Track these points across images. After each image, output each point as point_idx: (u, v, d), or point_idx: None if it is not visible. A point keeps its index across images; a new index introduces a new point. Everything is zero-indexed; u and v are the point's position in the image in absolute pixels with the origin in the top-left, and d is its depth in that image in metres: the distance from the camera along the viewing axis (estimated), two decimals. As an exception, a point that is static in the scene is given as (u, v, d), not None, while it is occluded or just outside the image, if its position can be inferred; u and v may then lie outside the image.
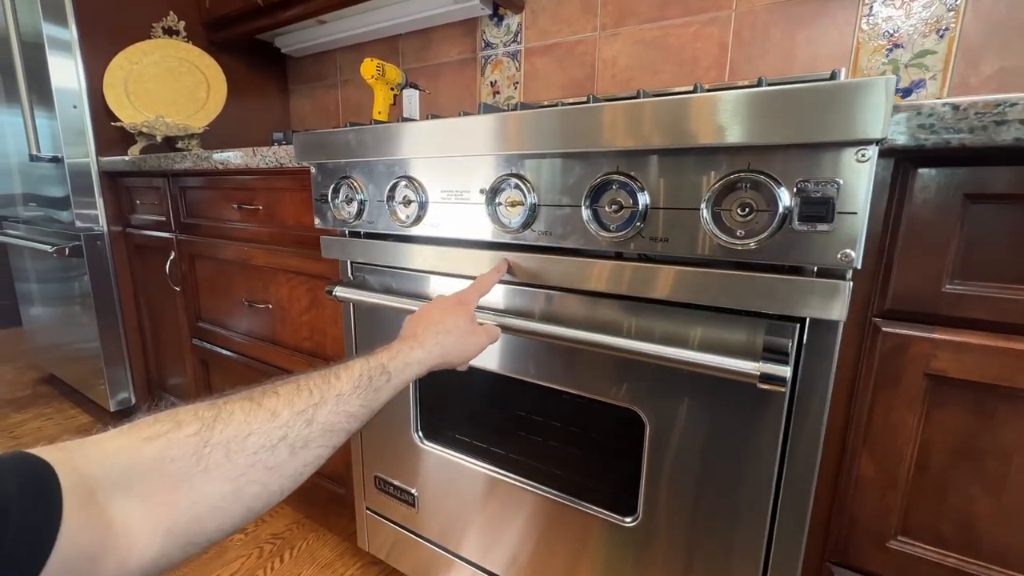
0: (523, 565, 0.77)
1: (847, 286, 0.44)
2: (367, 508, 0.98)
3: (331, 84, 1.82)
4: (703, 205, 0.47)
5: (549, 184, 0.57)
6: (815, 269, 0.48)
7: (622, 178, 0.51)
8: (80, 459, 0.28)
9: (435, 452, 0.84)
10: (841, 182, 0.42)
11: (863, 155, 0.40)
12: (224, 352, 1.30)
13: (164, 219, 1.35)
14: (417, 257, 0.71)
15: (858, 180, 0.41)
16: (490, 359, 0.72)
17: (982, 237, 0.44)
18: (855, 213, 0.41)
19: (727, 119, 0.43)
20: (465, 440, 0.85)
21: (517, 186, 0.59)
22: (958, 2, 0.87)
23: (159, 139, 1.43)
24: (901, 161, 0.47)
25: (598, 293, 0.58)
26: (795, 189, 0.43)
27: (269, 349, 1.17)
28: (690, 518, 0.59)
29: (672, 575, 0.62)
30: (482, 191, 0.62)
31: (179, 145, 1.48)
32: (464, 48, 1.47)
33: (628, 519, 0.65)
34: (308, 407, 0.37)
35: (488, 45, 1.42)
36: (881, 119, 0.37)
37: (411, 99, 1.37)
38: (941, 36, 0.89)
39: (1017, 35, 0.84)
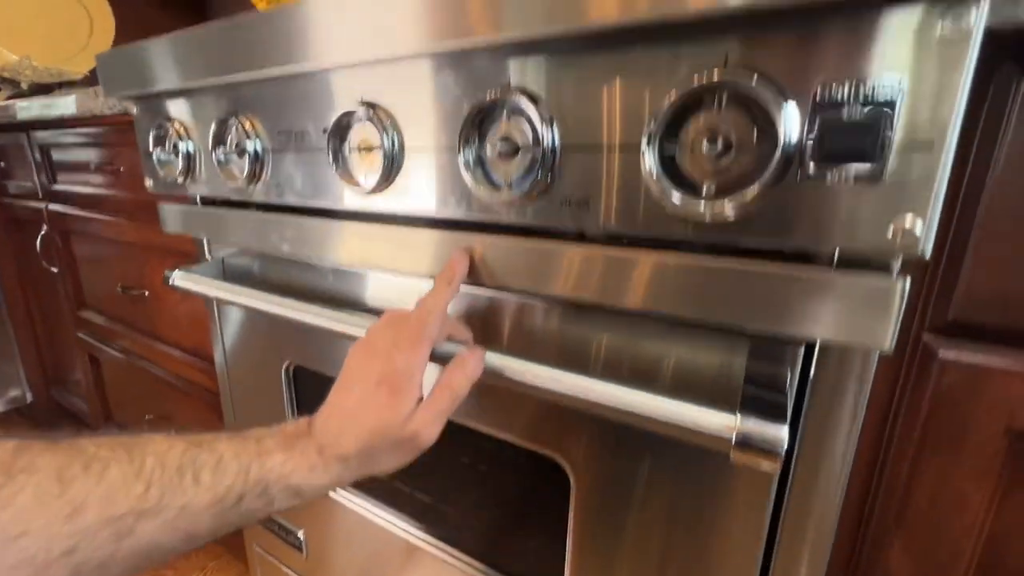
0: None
1: (899, 288, 0.24)
2: (256, 545, 0.80)
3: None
4: (644, 140, 0.27)
5: (415, 114, 0.36)
6: (836, 252, 0.27)
7: (517, 98, 0.30)
8: None
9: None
10: (905, 84, 0.21)
11: (955, 26, 0.20)
12: (108, 349, 1.09)
13: (31, 184, 1.12)
14: (294, 238, 0.49)
15: (940, 78, 0.20)
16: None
17: None
18: (930, 147, 0.21)
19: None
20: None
21: (371, 119, 0.37)
22: None
23: (25, 87, 1.17)
24: (999, 60, 0.26)
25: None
26: (813, 101, 0.23)
27: (151, 346, 0.96)
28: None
29: None
30: (324, 131, 0.40)
31: (55, 94, 1.22)
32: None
33: (551, 600, 0.46)
34: (130, 512, 0.26)
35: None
36: None
37: None
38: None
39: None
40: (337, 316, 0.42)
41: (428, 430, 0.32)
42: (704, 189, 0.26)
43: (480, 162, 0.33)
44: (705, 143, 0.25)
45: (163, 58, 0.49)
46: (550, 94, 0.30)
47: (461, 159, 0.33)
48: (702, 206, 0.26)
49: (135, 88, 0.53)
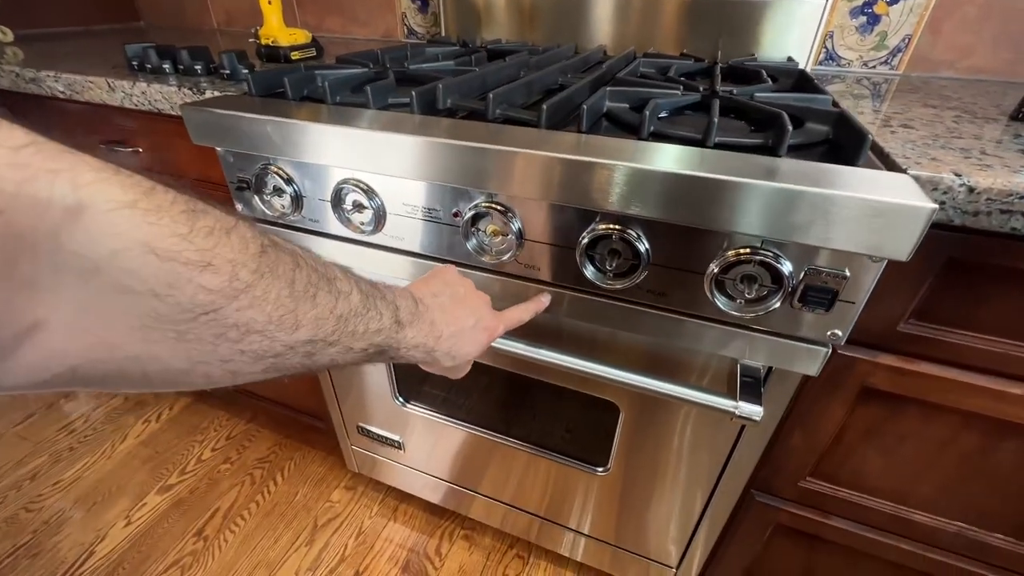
0: (504, 496, 0.91)
1: (824, 354, 0.48)
2: (352, 446, 1.07)
3: None
4: (707, 273, 0.46)
5: (537, 222, 0.51)
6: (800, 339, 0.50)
7: (622, 232, 0.47)
8: (74, 184, 0.18)
9: (416, 412, 0.89)
10: (849, 276, 0.41)
11: (877, 258, 0.40)
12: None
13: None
14: (385, 267, 0.64)
15: (865, 276, 0.41)
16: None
17: (944, 291, 0.48)
18: (853, 303, 0.43)
19: (751, 212, 0.39)
20: (442, 395, 0.90)
21: (501, 212, 0.51)
22: None
23: (-69, 18, 0.99)
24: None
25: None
26: (803, 274, 0.43)
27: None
28: (654, 471, 0.72)
29: (635, 508, 0.78)
30: (456, 215, 0.54)
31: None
32: None
33: (600, 469, 0.77)
34: (323, 340, 0.30)
35: None
36: (911, 247, 0.36)
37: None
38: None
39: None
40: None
41: (466, 371, 0.46)
42: (737, 303, 0.46)
43: (591, 259, 0.50)
44: (741, 279, 0.45)
45: (266, 132, 0.55)
46: (644, 232, 0.47)
47: (578, 258, 0.50)
48: (736, 307, 0.47)
49: (233, 147, 0.59)
